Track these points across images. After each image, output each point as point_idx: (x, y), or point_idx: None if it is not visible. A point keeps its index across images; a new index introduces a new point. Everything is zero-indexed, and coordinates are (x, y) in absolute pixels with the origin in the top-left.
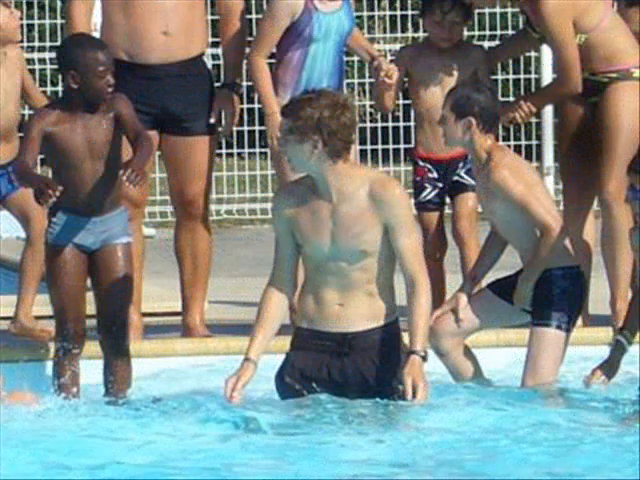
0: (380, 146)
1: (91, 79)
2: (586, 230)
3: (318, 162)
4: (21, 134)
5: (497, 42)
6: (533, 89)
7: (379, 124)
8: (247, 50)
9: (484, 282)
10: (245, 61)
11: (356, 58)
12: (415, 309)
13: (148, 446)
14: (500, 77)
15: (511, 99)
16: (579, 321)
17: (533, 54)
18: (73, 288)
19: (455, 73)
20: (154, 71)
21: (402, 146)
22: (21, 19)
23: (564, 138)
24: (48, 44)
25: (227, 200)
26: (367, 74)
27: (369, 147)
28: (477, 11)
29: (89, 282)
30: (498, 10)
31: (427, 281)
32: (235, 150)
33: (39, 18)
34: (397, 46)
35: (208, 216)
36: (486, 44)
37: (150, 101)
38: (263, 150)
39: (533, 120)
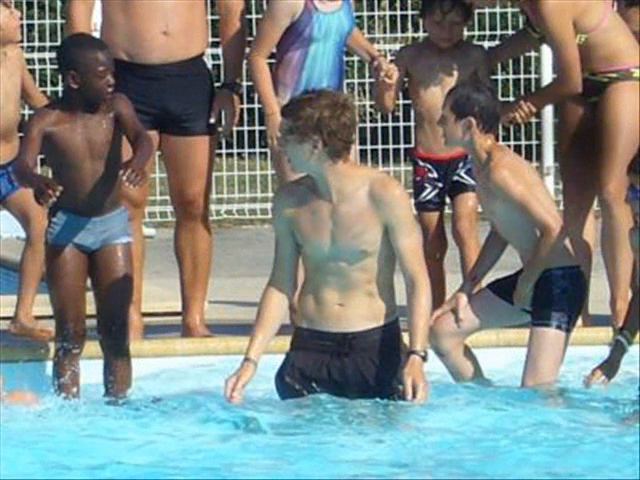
0: (380, 146)
1: (91, 79)
2: (586, 230)
3: (318, 162)
4: (21, 134)
5: (497, 42)
6: (533, 89)
7: (379, 124)
8: (247, 50)
9: (484, 282)
10: (245, 61)
11: (356, 58)
12: (415, 309)
13: (148, 446)
14: (500, 77)
15: (511, 99)
16: (579, 321)
17: (533, 54)
18: (73, 288)
19: (455, 73)
20: (154, 71)
21: (402, 146)
22: (21, 19)
23: (564, 138)
24: (48, 44)
25: (227, 200)
26: (367, 74)
27: (369, 147)
28: (477, 11)
29: (89, 282)
30: (498, 10)
31: (427, 281)
32: (235, 150)
33: (39, 18)
34: (397, 46)
35: (208, 216)
36: (486, 44)
37: (150, 101)
38: (263, 150)
39: (533, 120)
